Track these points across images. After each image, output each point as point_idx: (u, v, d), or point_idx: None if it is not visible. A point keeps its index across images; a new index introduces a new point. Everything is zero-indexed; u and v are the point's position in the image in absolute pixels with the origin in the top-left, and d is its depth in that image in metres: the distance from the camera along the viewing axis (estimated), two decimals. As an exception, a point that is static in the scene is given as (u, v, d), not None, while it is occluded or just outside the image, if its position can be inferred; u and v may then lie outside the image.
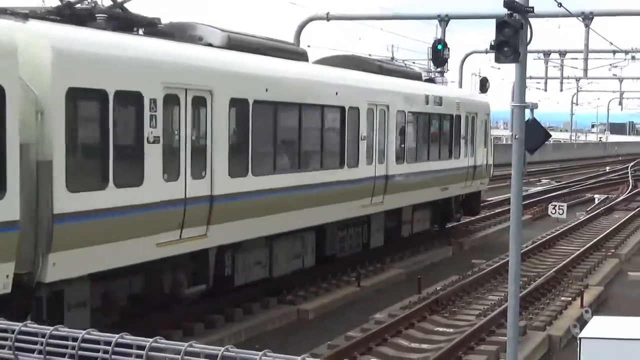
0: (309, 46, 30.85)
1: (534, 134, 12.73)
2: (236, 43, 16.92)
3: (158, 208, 13.64)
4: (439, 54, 29.31)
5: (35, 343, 4.13)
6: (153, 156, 13.55)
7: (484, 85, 46.63)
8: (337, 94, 19.72)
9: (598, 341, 8.89)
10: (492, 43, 11.80)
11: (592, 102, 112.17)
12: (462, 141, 27.45)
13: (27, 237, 11.50)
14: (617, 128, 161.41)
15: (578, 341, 9.05)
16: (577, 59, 43.11)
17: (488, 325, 16.41)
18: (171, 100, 13.96)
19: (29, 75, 11.49)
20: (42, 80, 11.67)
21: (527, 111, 12.80)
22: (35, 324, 4.26)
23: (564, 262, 23.33)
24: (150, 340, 3.88)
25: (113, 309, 13.75)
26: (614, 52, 41.04)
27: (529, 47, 12.70)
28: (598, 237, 28.52)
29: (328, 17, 30.60)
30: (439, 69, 31.26)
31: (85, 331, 4.09)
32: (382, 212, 22.56)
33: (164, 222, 13.84)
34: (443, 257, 26.26)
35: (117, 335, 4.00)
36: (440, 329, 16.70)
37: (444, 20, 30.06)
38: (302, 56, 20.00)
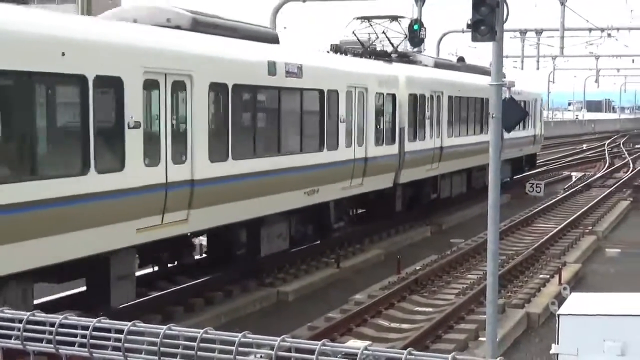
0: (285, 28, 30.76)
1: (511, 112, 12.76)
2: (439, 64, 30.32)
3: (394, 158, 24.45)
4: (415, 34, 29.27)
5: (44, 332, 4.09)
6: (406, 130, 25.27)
7: (460, 64, 46.63)
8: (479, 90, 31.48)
9: (576, 317, 8.93)
10: (469, 22, 11.79)
11: (569, 80, 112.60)
12: (530, 118, 40.15)
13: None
14: (593, 106, 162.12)
15: (557, 318, 9.08)
16: (553, 37, 43.13)
17: (467, 304, 16.49)
18: (434, 97, 27.17)
19: (396, 88, 24.18)
20: (401, 90, 24.50)
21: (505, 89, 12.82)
22: (42, 313, 4.21)
23: (542, 240, 23.46)
24: (129, 323, 3.84)
25: (402, 203, 26.10)
26: (590, 29, 41.12)
27: (505, 26, 12.71)
28: (575, 215, 28.70)
29: (304, -1, 30.49)
30: (415, 49, 31.23)
31: (62, 316, 4.06)
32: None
33: (427, 159, 26.68)
34: (422, 237, 26.35)
35: (94, 320, 3.96)
36: (420, 309, 16.76)
37: None
38: (459, 67, 32.92)
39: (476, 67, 35.55)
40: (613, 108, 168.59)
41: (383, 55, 26.09)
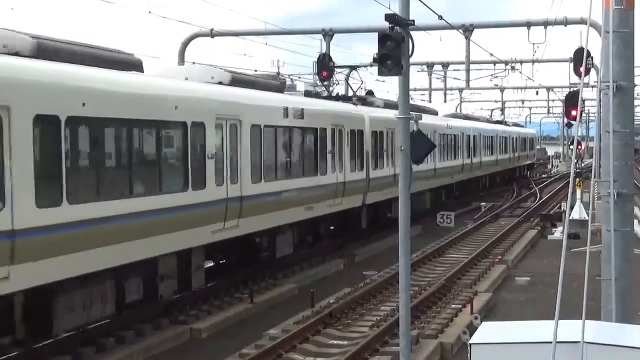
0: (193, 63, 30.67)
1: (419, 144, 12.91)
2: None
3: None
4: (324, 68, 29.52)
5: None
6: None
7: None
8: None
9: (487, 346, 9.04)
10: (375, 56, 11.94)
11: (475, 112, 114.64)
12: (533, 145, 73.90)
13: None
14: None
15: (468, 347, 9.18)
16: (459, 70, 43.96)
17: (381, 336, 16.54)
18: None
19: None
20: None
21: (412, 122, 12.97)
22: None
23: (454, 270, 23.73)
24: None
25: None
26: (494, 63, 42.06)
27: (412, 60, 12.91)
28: (485, 244, 29.14)
29: (212, 34, 30.49)
30: (325, 83, 31.47)
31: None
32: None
33: None
34: (335, 269, 26.39)
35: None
36: (334, 342, 16.73)
37: (328, 34, 30.33)
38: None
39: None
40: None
41: None
